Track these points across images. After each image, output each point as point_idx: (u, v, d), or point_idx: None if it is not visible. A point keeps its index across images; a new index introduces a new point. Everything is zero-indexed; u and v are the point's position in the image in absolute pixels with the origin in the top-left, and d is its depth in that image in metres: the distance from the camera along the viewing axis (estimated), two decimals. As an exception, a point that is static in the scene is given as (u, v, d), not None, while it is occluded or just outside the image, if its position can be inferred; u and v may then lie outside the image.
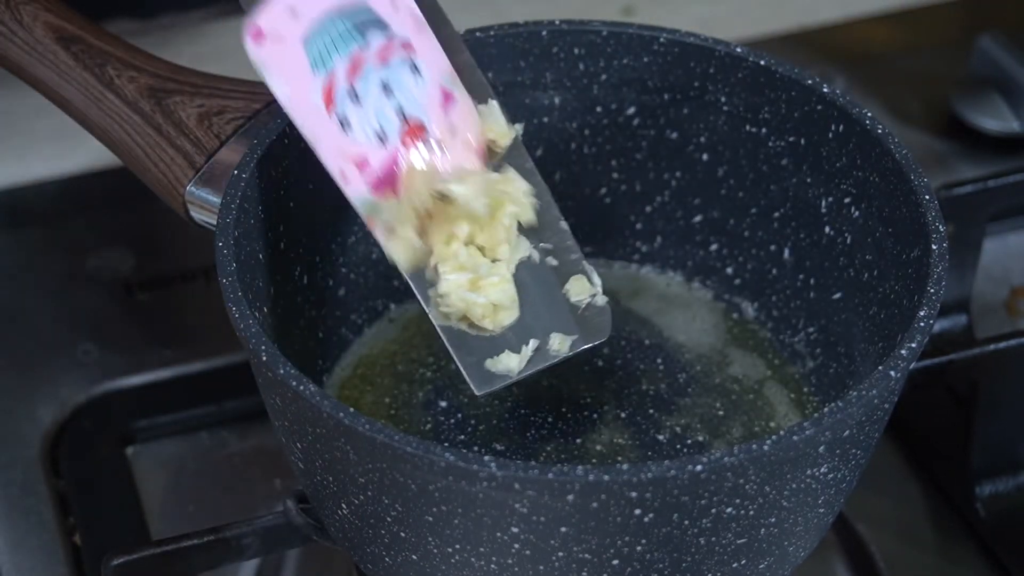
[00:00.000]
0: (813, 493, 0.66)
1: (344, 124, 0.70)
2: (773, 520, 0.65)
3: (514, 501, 0.61)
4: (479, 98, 0.74)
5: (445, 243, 0.72)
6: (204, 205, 0.72)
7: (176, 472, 0.84)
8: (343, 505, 0.67)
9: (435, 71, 0.72)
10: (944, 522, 0.82)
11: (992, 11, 1.08)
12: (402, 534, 0.65)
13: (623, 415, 0.78)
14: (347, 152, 0.70)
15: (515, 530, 0.62)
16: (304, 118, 0.69)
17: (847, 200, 0.76)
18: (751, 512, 0.64)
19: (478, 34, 0.78)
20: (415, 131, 0.72)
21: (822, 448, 0.63)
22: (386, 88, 0.71)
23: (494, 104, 0.74)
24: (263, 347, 0.64)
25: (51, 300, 0.92)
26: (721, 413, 0.78)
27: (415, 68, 0.72)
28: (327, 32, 0.69)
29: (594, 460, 0.76)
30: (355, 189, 0.71)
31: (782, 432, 0.61)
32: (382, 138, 0.71)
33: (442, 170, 0.72)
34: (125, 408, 0.86)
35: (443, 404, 0.78)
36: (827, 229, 0.77)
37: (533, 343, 0.73)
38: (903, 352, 0.65)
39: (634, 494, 0.60)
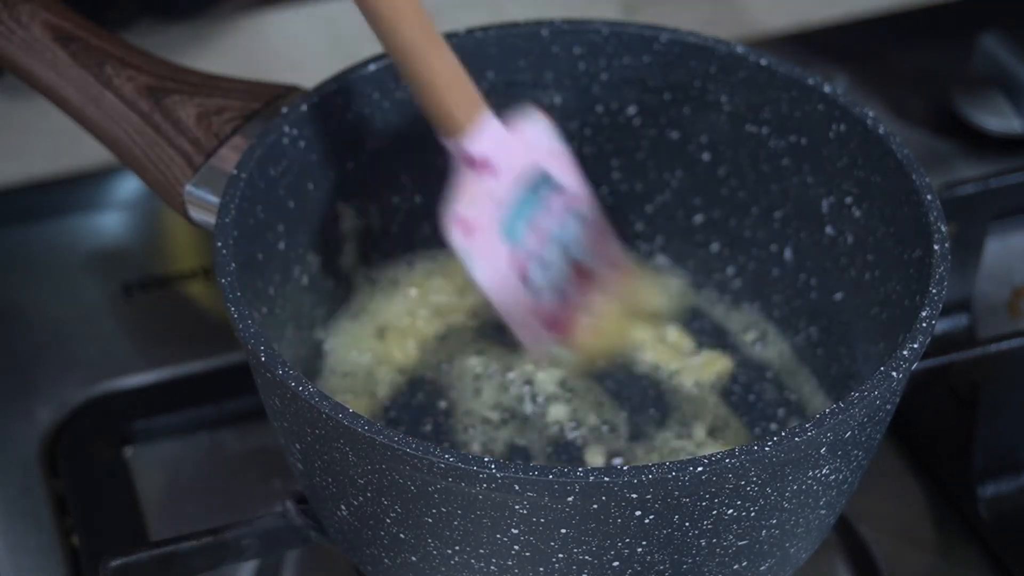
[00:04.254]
0: (814, 494, 0.65)
1: (535, 289, 0.74)
2: (774, 521, 0.65)
3: (514, 502, 0.61)
4: None
5: None
6: (203, 205, 0.72)
7: (175, 473, 0.84)
8: (342, 506, 0.67)
9: (592, 213, 0.77)
10: (946, 523, 0.82)
11: (994, 10, 1.08)
12: (401, 535, 0.65)
13: (623, 415, 0.78)
14: (538, 316, 0.75)
15: (515, 531, 0.62)
16: (502, 296, 0.74)
17: (848, 200, 0.76)
18: (752, 513, 0.63)
19: (478, 33, 0.78)
20: (588, 279, 0.77)
21: (823, 449, 0.63)
22: (564, 246, 0.75)
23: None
24: (262, 347, 0.64)
25: (50, 300, 0.92)
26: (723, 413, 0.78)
27: (580, 216, 0.76)
28: (516, 206, 0.73)
29: (595, 461, 0.76)
30: (544, 348, 0.76)
31: (783, 433, 0.61)
32: (565, 294, 0.76)
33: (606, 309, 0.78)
34: (124, 409, 0.86)
35: (443, 404, 0.78)
36: (828, 229, 0.77)
37: None
38: (905, 353, 0.64)
39: (634, 495, 0.60)
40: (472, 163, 0.71)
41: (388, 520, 0.65)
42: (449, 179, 0.81)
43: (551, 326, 0.76)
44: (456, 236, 0.72)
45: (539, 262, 0.74)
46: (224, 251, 0.68)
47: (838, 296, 0.77)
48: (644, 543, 0.63)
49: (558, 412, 0.78)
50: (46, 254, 0.95)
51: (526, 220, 0.74)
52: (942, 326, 0.88)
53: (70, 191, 0.98)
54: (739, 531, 0.64)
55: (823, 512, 0.68)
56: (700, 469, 0.60)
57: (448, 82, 0.71)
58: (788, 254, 0.80)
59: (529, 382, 0.79)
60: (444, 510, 0.63)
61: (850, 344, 0.77)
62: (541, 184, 0.74)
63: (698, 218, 0.82)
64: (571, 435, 0.77)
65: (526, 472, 0.60)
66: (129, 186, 0.97)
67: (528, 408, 0.78)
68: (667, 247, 0.84)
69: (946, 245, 0.68)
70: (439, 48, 0.71)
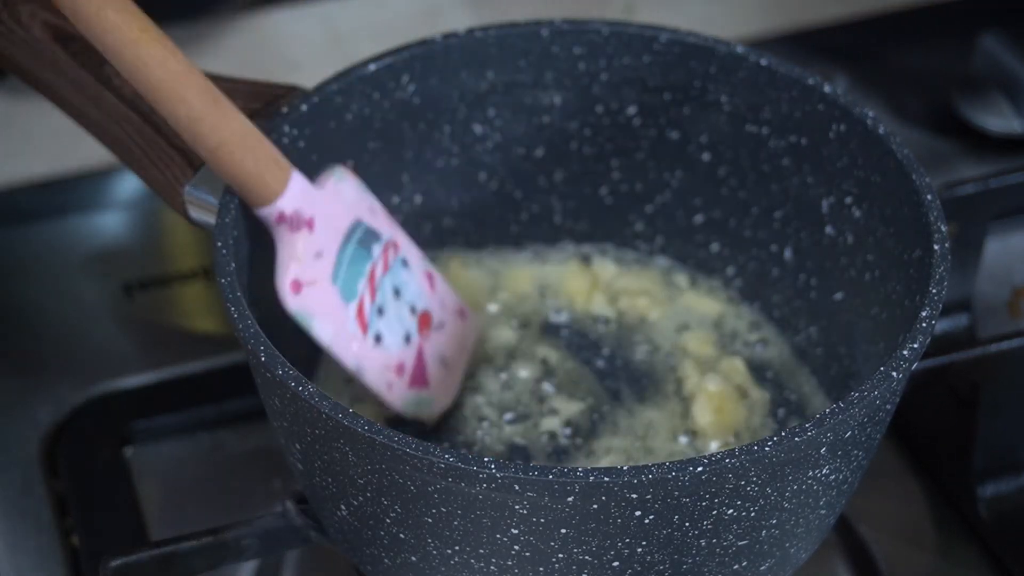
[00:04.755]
0: (814, 494, 0.65)
1: (378, 340, 0.74)
2: (774, 521, 0.65)
3: (514, 502, 0.61)
4: None
5: None
6: (203, 204, 0.72)
7: (175, 473, 0.84)
8: (342, 506, 0.67)
9: (415, 258, 0.77)
10: (946, 523, 0.82)
11: (994, 10, 1.08)
12: (401, 535, 0.65)
13: (623, 416, 0.78)
14: (388, 365, 0.75)
15: (515, 532, 0.62)
16: (346, 351, 0.73)
17: (848, 200, 0.76)
18: (752, 513, 0.63)
19: (478, 33, 0.78)
20: (425, 320, 0.76)
21: (823, 449, 0.63)
22: (396, 292, 0.75)
23: None
24: (262, 347, 0.64)
25: (50, 300, 0.92)
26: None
27: (405, 263, 0.76)
28: (344, 260, 0.72)
29: (594, 461, 0.76)
30: (399, 395, 0.75)
31: (783, 433, 0.61)
32: (407, 338, 0.76)
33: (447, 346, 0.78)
34: (124, 409, 0.86)
35: (443, 405, 0.78)
36: (828, 229, 0.77)
37: None
38: (905, 352, 0.64)
39: (634, 496, 0.60)
40: (289, 222, 0.70)
41: (388, 520, 0.65)
42: (450, 183, 0.81)
43: (407, 377, 0.76)
44: (290, 299, 0.71)
45: (379, 314, 0.74)
46: (224, 251, 0.68)
47: (838, 296, 0.77)
48: (644, 543, 0.63)
49: (559, 412, 0.78)
50: (46, 254, 0.95)
51: (358, 273, 0.73)
52: (942, 326, 0.88)
53: (70, 191, 0.98)
54: (739, 531, 0.64)
55: (823, 512, 0.68)
56: (700, 469, 0.60)
57: (251, 147, 0.68)
58: (788, 254, 0.80)
59: (530, 382, 0.79)
60: (444, 510, 0.63)
61: (850, 344, 0.77)
62: (363, 237, 0.74)
63: (698, 218, 0.82)
64: (571, 435, 0.77)
65: (526, 472, 0.60)
66: (129, 186, 0.97)
67: (529, 408, 0.78)
68: (667, 247, 0.84)
69: (946, 245, 0.68)
70: (233, 114, 0.68)
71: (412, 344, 0.76)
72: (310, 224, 0.71)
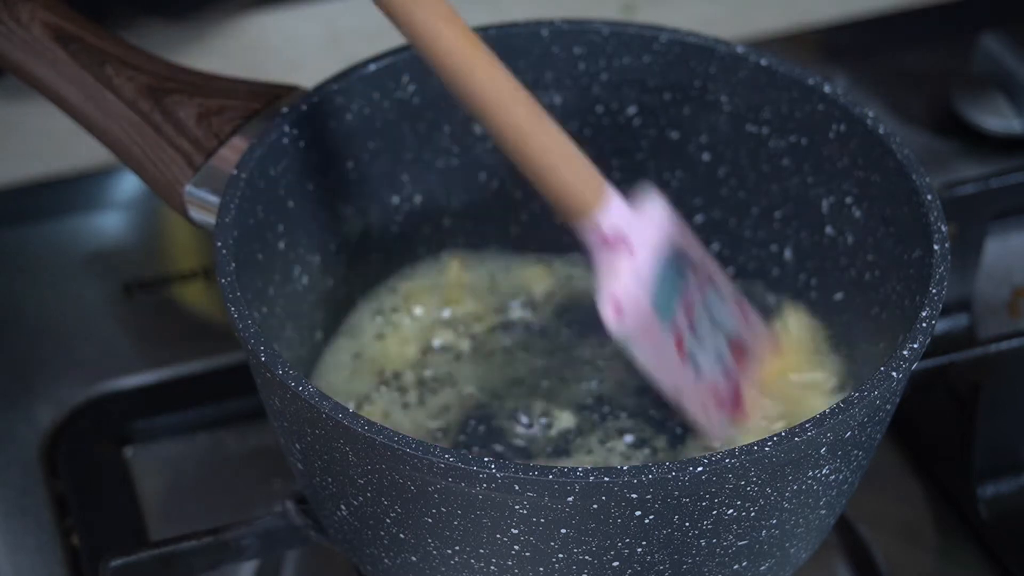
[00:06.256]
0: (814, 494, 0.65)
1: (696, 365, 0.72)
2: (774, 522, 0.65)
3: (514, 502, 0.61)
4: None
5: None
6: (203, 205, 0.72)
7: (175, 473, 0.84)
8: (342, 506, 0.67)
9: (724, 283, 0.75)
10: (946, 523, 0.82)
11: (994, 10, 1.08)
12: (401, 535, 0.65)
13: (624, 416, 0.78)
14: (706, 390, 0.72)
15: (515, 532, 0.62)
16: (667, 374, 0.71)
17: (848, 200, 0.76)
18: (752, 514, 0.63)
19: (478, 33, 0.77)
20: (741, 350, 0.74)
21: (824, 449, 0.63)
22: (711, 318, 0.73)
23: None
24: (262, 347, 0.64)
25: (50, 300, 0.92)
26: (722, 414, 0.78)
27: (716, 287, 0.74)
28: (661, 283, 0.70)
29: (594, 461, 0.76)
30: (716, 421, 0.73)
31: (783, 433, 0.61)
32: (723, 365, 0.73)
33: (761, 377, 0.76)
34: (123, 409, 0.86)
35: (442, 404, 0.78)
36: (828, 229, 0.77)
37: None
38: (905, 353, 0.64)
39: (634, 496, 0.60)
40: (608, 242, 0.69)
41: (388, 520, 0.65)
42: (450, 183, 0.81)
43: (722, 404, 0.73)
44: (613, 321, 0.69)
45: (695, 339, 0.72)
46: (224, 251, 0.68)
47: (838, 296, 0.77)
48: (644, 543, 0.63)
49: (560, 410, 0.78)
50: (46, 254, 0.95)
51: (673, 297, 0.71)
52: (942, 326, 0.88)
53: (70, 191, 0.98)
54: (739, 531, 0.64)
55: (823, 512, 0.68)
56: (700, 469, 0.60)
57: (568, 160, 0.68)
58: (788, 254, 0.80)
59: (530, 380, 0.79)
60: (444, 510, 0.63)
61: (850, 344, 0.77)
62: (677, 259, 0.72)
63: (698, 218, 0.82)
64: (571, 435, 0.77)
65: (526, 472, 0.60)
66: (129, 186, 0.97)
67: (529, 406, 0.78)
68: (667, 247, 0.84)
69: (946, 245, 0.68)
70: (550, 126, 0.68)
71: (727, 371, 0.74)
72: (628, 244, 0.69)
